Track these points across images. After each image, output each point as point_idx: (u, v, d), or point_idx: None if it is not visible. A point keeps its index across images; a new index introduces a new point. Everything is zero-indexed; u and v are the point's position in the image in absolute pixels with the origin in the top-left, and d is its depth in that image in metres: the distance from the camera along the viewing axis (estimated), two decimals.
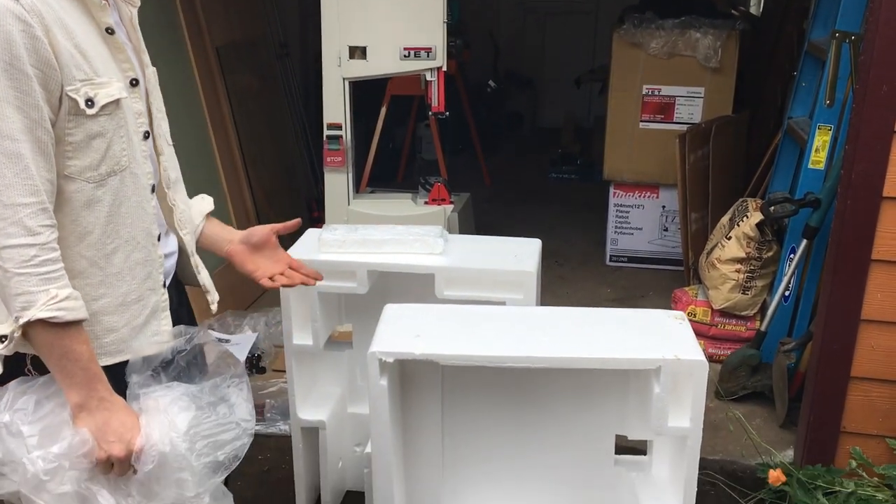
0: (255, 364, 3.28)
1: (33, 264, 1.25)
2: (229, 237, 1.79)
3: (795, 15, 4.27)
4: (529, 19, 7.62)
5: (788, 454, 2.75)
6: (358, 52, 3.29)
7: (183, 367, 1.39)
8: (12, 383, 1.37)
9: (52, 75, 1.25)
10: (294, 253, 2.24)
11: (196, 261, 1.64)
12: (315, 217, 4.63)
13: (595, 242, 4.72)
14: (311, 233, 2.36)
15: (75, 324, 1.29)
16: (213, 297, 1.70)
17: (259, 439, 2.83)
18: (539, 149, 6.81)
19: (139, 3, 1.51)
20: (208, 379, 1.40)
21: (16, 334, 1.28)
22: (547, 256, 4.62)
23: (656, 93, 4.13)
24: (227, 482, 1.81)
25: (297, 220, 1.85)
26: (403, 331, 1.74)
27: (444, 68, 3.31)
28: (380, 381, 1.66)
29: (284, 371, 2.94)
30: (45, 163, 1.27)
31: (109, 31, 1.36)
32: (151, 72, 1.52)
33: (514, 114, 7.45)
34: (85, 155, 1.31)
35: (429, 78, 3.32)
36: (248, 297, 3.90)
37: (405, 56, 3.24)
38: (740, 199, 3.43)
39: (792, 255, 3.05)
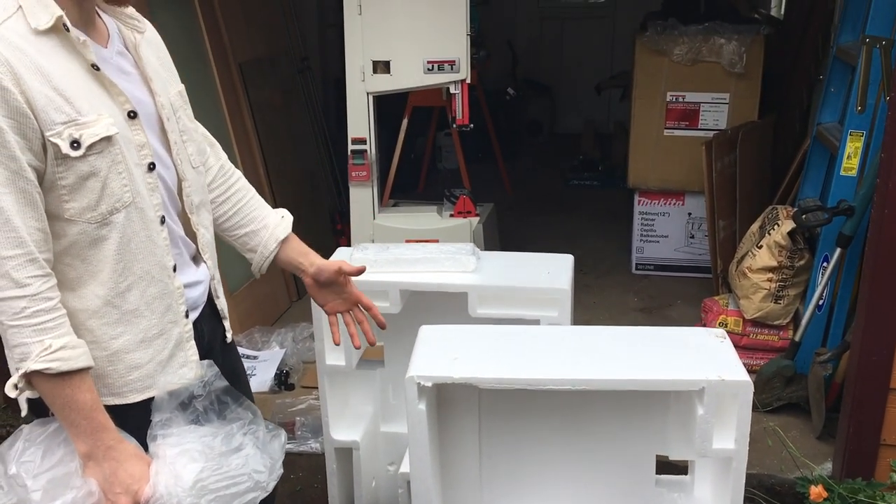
0: (283, 381, 3.27)
1: (24, 315, 1.23)
2: (302, 268, 1.79)
3: (819, 17, 4.22)
4: (546, 25, 7.60)
5: (827, 467, 2.70)
6: (381, 67, 3.28)
7: (200, 411, 1.37)
8: (26, 428, 1.35)
9: (26, 123, 1.22)
10: None
11: (215, 285, 1.61)
12: (339, 230, 4.63)
13: (620, 250, 4.69)
14: (341, 252, 2.35)
15: (77, 373, 1.27)
16: (228, 326, 1.67)
17: (291, 458, 2.82)
18: (559, 156, 6.78)
19: (146, 30, 1.48)
20: (225, 426, 1.37)
21: (19, 384, 1.27)
22: None
23: (681, 99, 4.10)
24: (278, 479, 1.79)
25: (362, 267, 1.86)
26: (440, 353, 1.72)
27: (469, 80, 3.29)
28: (418, 406, 1.64)
29: (313, 387, 2.93)
30: (33, 212, 1.24)
31: (95, 67, 1.31)
32: (175, 94, 1.49)
33: (533, 121, 7.42)
34: (81, 196, 1.28)
35: (452, 91, 3.31)
36: (275, 312, 3.90)
37: (429, 69, 3.23)
38: (770, 207, 3.39)
39: (825, 264, 3.00)
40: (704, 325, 3.42)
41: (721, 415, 1.64)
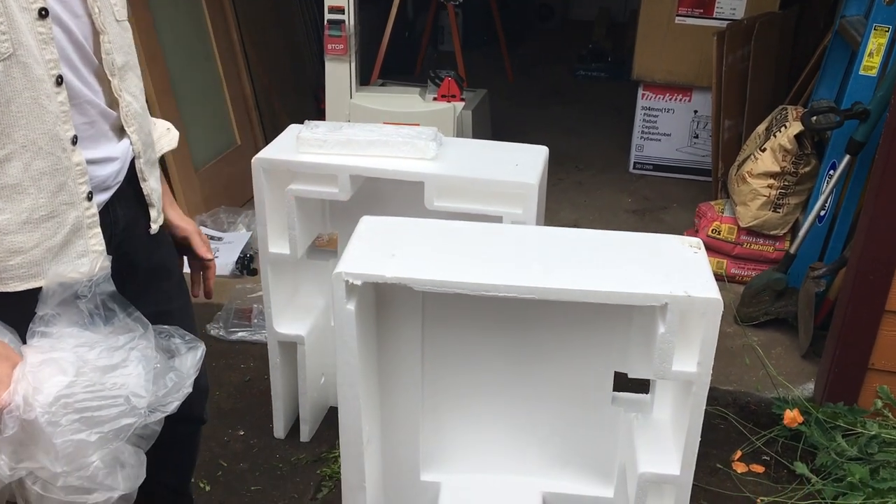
0: (246, 265, 3.11)
1: None
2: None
3: None
4: None
5: (808, 388, 2.55)
6: None
7: (86, 314, 1.18)
8: None
9: None
10: (269, 152, 2.02)
11: (142, 165, 1.38)
12: (322, 109, 4.37)
13: (619, 147, 4.43)
14: (291, 129, 2.13)
15: None
16: (155, 216, 1.44)
17: (244, 346, 2.70)
18: (569, 43, 6.40)
19: None
20: (109, 338, 1.17)
21: None
22: (567, 161, 4.35)
23: None
24: (205, 392, 1.64)
25: (211, 259, 1.59)
26: (378, 249, 1.53)
27: None
28: (346, 306, 1.46)
29: None
30: None
31: None
32: None
33: (545, 5, 6.99)
34: None
35: None
36: (244, 193, 3.69)
37: None
38: (780, 107, 3.12)
39: (832, 172, 2.76)
40: (697, 231, 3.21)
41: (685, 334, 1.46)
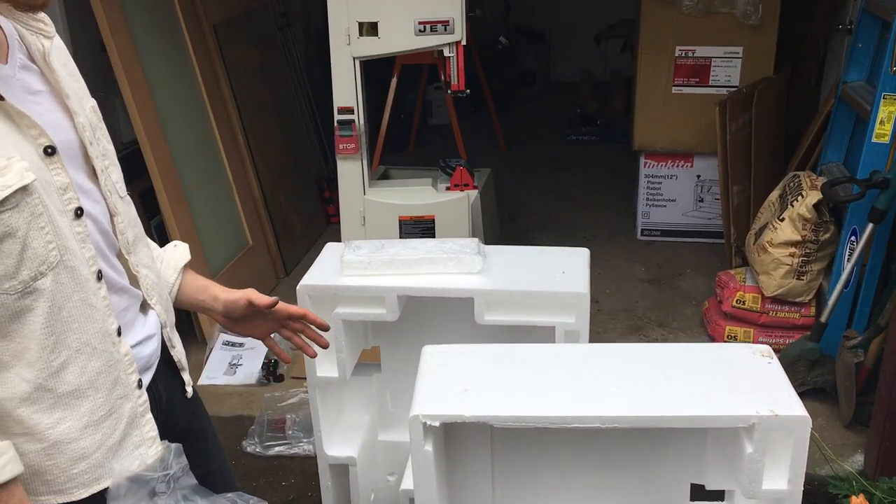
0: (272, 371, 3.06)
1: None
2: (206, 306, 1.47)
3: None
4: None
5: (857, 460, 2.53)
6: (368, 28, 2.98)
7: None
8: None
9: None
10: (312, 277, 1.99)
11: (168, 333, 1.34)
12: (326, 197, 4.37)
13: (623, 213, 4.46)
14: (330, 249, 2.11)
15: (2, 486, 1.03)
16: (187, 379, 1.39)
17: (283, 462, 2.63)
18: (555, 107, 6.49)
19: (54, 34, 1.16)
20: None
21: None
22: (573, 231, 4.35)
23: (690, 54, 3.82)
24: None
25: (275, 299, 1.50)
26: (448, 384, 1.50)
27: (464, 42, 3.00)
28: (425, 448, 1.43)
29: (305, 378, 2.72)
30: None
31: None
32: (89, 110, 1.19)
33: (527, 71, 7.11)
34: None
35: (447, 54, 3.02)
36: (261, 292, 3.65)
37: (421, 31, 2.94)
38: (791, 174, 3.15)
39: (853, 238, 2.78)
40: (720, 301, 3.21)
41: (772, 452, 1.43)
